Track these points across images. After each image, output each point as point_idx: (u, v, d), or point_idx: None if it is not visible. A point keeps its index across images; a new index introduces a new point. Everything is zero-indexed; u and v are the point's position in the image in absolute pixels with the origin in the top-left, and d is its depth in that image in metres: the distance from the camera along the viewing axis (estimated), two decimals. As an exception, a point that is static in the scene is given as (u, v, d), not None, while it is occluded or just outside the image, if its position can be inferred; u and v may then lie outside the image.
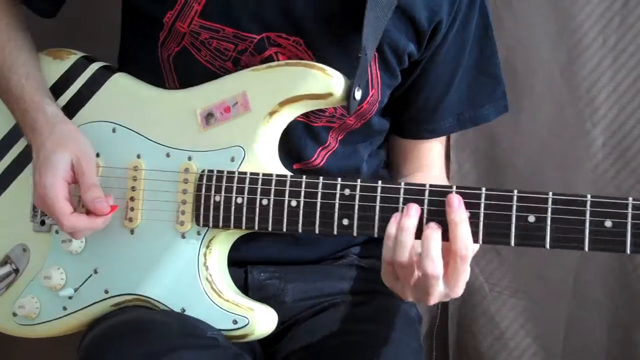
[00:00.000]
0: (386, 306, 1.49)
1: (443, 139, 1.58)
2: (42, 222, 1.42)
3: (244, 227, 1.29)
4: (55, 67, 1.45)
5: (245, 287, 1.46)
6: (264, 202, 1.27)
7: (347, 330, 1.45)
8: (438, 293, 1.18)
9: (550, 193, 1.11)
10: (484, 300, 1.94)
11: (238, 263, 1.45)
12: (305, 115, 1.39)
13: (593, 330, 1.93)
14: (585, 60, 1.80)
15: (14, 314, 1.42)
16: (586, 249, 1.09)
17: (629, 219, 1.07)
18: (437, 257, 1.15)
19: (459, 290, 1.18)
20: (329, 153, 1.46)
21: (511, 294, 1.93)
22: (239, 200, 1.28)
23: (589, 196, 1.09)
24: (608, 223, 1.08)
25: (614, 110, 1.82)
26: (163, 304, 1.34)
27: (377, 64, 1.40)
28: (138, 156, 1.36)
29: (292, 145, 1.41)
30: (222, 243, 1.34)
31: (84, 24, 1.79)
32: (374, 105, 1.43)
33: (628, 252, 1.07)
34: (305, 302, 1.50)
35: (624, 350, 1.92)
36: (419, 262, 1.16)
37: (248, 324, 1.29)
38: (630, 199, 1.07)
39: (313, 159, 1.43)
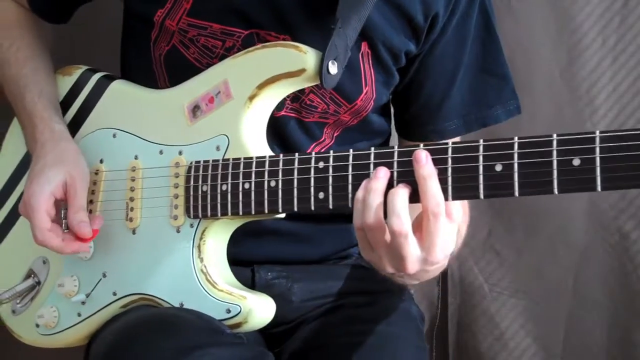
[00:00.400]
0: (389, 306, 1.42)
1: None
2: (58, 233, 1.45)
3: (229, 213, 1.21)
4: (64, 83, 1.44)
5: (252, 287, 1.38)
6: (246, 185, 1.20)
7: (353, 330, 1.36)
8: (414, 257, 1.07)
9: (516, 138, 1.01)
10: (484, 300, 1.87)
11: (244, 262, 1.39)
12: (297, 111, 1.33)
13: (593, 330, 1.84)
14: (585, 60, 1.75)
15: (37, 325, 1.39)
16: (555, 191, 0.96)
17: (597, 154, 0.95)
18: (403, 214, 1.05)
19: (436, 255, 1.07)
20: (324, 149, 1.38)
21: (511, 294, 1.87)
22: (224, 187, 1.22)
23: (554, 135, 0.98)
24: (576, 161, 0.96)
25: (613, 111, 1.76)
26: (164, 300, 1.27)
27: (370, 61, 1.32)
28: (135, 157, 1.32)
29: (285, 140, 1.35)
30: (217, 234, 1.26)
31: (98, 33, 1.79)
32: (369, 102, 1.35)
33: (599, 189, 0.94)
34: (311, 302, 1.43)
35: (624, 350, 1.83)
36: (387, 221, 1.07)
37: (240, 311, 1.22)
38: (597, 132, 0.95)
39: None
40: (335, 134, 1.39)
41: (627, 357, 1.84)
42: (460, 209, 1.10)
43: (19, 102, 1.41)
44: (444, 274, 1.93)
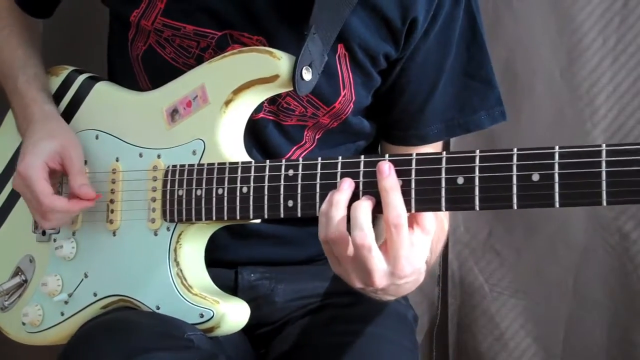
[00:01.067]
0: (377, 306, 1.38)
1: (437, 146, 1.43)
2: (43, 233, 1.39)
3: (203, 218, 1.21)
4: (52, 83, 1.44)
5: (235, 288, 1.38)
6: (220, 191, 1.20)
7: (339, 330, 1.35)
8: (380, 271, 1.05)
9: (478, 151, 0.99)
10: (484, 300, 1.85)
11: (228, 264, 1.38)
12: (275, 113, 1.32)
13: (593, 330, 1.82)
14: (586, 60, 1.72)
15: (23, 323, 1.39)
16: (515, 206, 0.94)
17: (556, 170, 0.93)
18: (365, 226, 1.03)
19: (403, 268, 1.05)
20: (306, 152, 1.36)
21: (511, 295, 1.84)
22: (199, 192, 1.21)
23: (515, 150, 0.96)
24: (535, 176, 0.94)
25: (614, 111, 1.73)
26: (142, 303, 1.27)
27: (347, 64, 1.29)
28: (117, 159, 1.32)
29: (265, 143, 1.34)
30: (193, 238, 1.26)
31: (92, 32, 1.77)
32: (348, 105, 1.32)
33: (557, 205, 0.92)
34: (296, 302, 1.42)
35: (624, 350, 1.80)
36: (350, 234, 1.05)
37: (213, 316, 1.22)
38: (557, 147, 0.93)
39: (287, 157, 1.35)
40: (317, 137, 1.37)
41: (627, 358, 1.82)
42: (434, 222, 1.08)
43: (11, 82, 1.42)
44: (444, 274, 1.91)
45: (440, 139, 1.41)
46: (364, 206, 1.05)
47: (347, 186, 1.08)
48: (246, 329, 1.30)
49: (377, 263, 1.05)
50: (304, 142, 1.36)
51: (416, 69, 1.33)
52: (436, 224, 1.10)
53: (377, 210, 1.06)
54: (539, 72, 1.77)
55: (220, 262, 1.36)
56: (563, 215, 1.82)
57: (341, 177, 1.09)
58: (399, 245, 1.04)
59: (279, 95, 1.30)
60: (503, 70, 1.76)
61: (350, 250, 1.06)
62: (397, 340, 1.37)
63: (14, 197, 1.46)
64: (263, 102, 1.29)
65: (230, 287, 1.37)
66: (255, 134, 1.32)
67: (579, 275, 1.82)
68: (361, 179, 1.08)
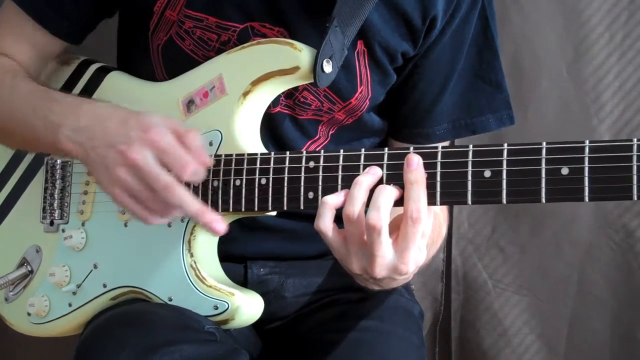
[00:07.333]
0: (387, 302, 1.41)
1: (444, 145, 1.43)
2: (51, 223, 1.39)
3: (219, 209, 1.21)
4: (63, 72, 1.43)
5: (244, 283, 1.39)
6: (237, 182, 1.20)
7: (349, 326, 1.36)
8: (385, 259, 1.06)
9: (506, 144, 1.00)
10: (488, 296, 1.86)
11: (237, 258, 1.39)
12: (291, 107, 1.33)
13: (596, 327, 1.83)
14: (592, 56, 1.73)
15: (28, 314, 1.39)
16: (543, 200, 0.96)
17: (586, 164, 0.94)
18: (383, 209, 1.05)
19: (408, 261, 1.06)
20: (319, 147, 1.37)
21: (515, 291, 1.86)
22: (215, 184, 1.22)
23: (544, 143, 0.97)
24: (564, 170, 0.95)
25: (620, 107, 1.74)
26: (153, 294, 1.28)
27: (366, 61, 1.31)
28: None
29: (280, 137, 1.34)
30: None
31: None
32: (364, 102, 1.34)
33: (587, 199, 0.94)
34: (305, 297, 1.43)
35: (627, 347, 1.82)
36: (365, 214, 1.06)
37: (228, 308, 1.22)
38: (587, 141, 0.94)
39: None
40: (330, 132, 1.38)
41: (630, 354, 1.84)
42: (431, 225, 1.09)
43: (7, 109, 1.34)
44: (447, 270, 1.92)
45: (446, 139, 1.43)
46: (388, 190, 1.07)
47: (374, 171, 1.09)
48: (256, 324, 1.31)
49: (384, 249, 1.06)
50: (318, 136, 1.37)
51: (429, 66, 1.35)
52: (433, 228, 1.11)
53: (398, 203, 1.07)
54: (546, 67, 1.78)
55: (230, 256, 1.36)
56: (568, 212, 1.84)
57: (364, 169, 1.10)
58: (411, 238, 1.05)
59: (296, 89, 1.31)
60: (509, 66, 1.77)
61: (361, 230, 1.07)
62: (405, 336, 1.39)
63: (20, 186, 1.46)
64: (280, 96, 1.30)
65: (240, 282, 1.37)
66: (271, 128, 1.33)
67: (583, 272, 1.84)
68: (385, 171, 1.09)
